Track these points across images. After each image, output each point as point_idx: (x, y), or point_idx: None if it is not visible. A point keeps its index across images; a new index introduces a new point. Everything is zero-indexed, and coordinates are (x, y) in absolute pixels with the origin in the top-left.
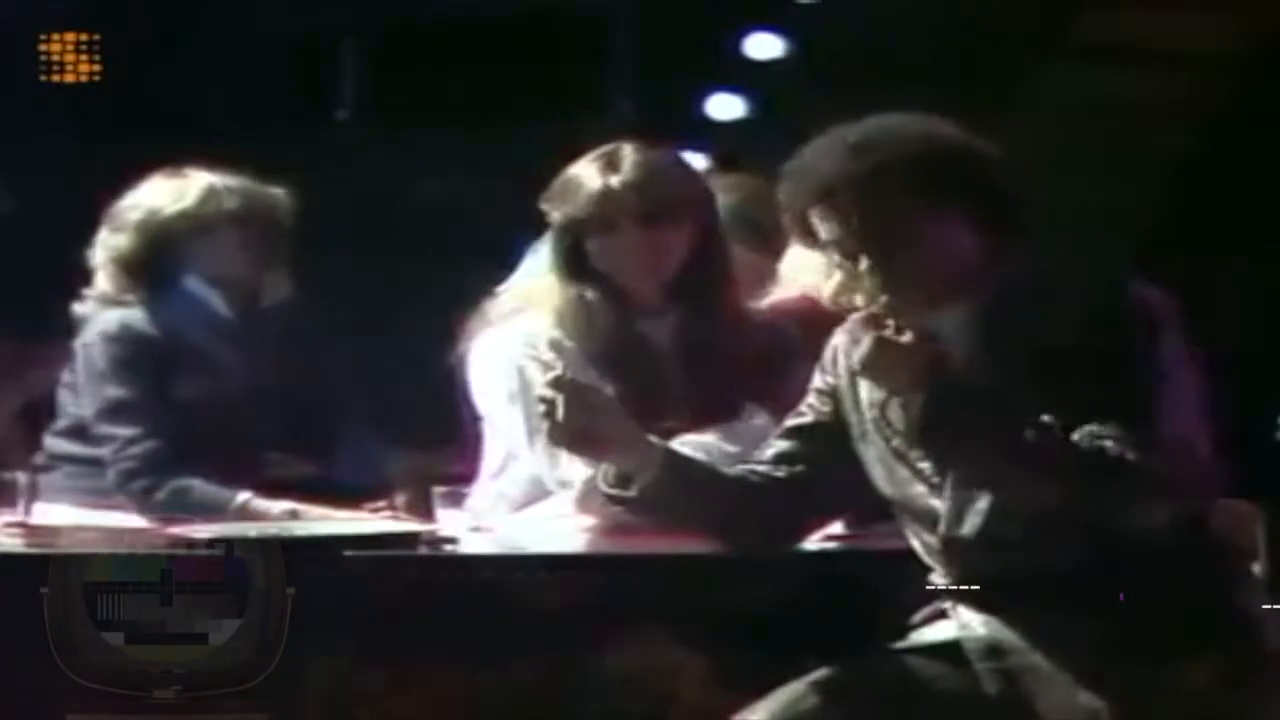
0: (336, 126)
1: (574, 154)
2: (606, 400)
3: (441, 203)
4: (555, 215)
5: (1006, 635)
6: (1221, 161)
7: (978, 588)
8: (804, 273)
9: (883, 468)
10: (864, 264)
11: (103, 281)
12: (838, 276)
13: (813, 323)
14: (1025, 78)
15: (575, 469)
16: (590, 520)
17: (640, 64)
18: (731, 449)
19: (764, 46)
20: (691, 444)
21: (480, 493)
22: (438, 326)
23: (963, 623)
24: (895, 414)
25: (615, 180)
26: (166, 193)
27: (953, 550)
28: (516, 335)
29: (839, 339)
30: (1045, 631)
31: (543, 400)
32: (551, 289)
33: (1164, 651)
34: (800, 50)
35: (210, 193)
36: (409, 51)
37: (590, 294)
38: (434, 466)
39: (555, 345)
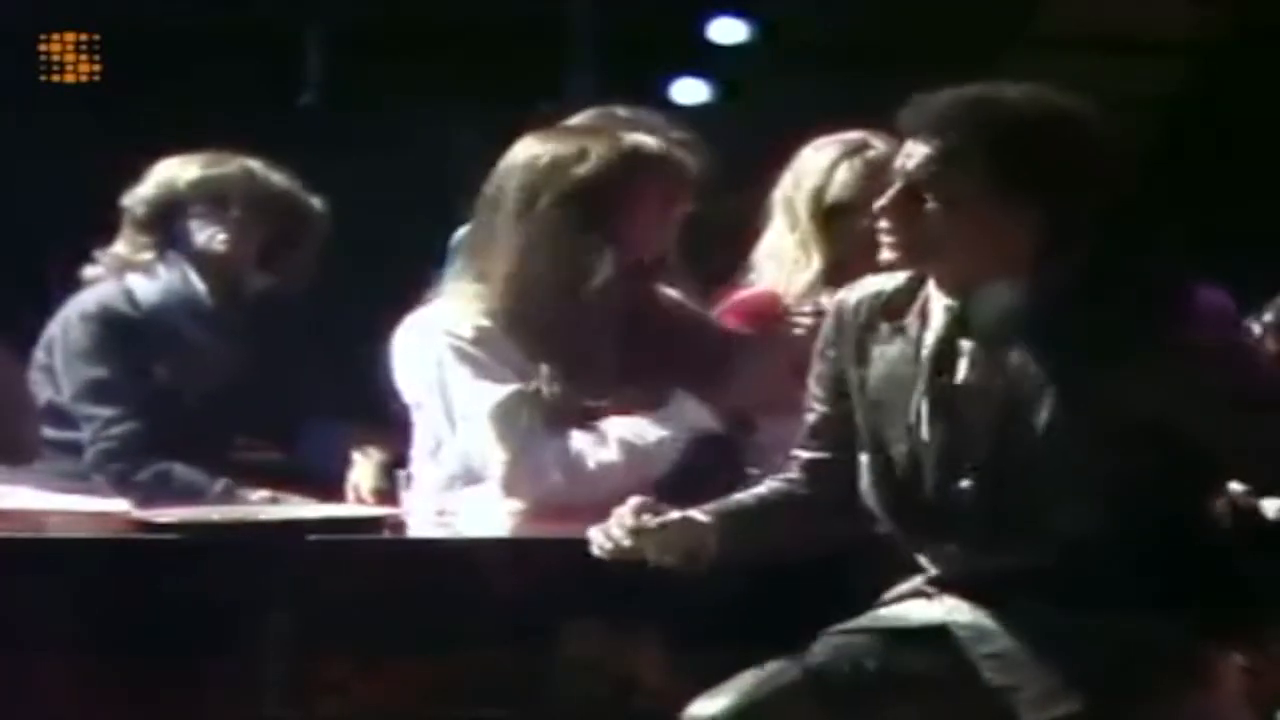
0: (298, 112)
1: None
2: (676, 528)
3: (404, 185)
4: (584, 176)
5: (993, 623)
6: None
7: (973, 580)
8: (770, 264)
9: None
10: (925, 216)
11: (119, 242)
12: (885, 224)
13: (775, 318)
14: (993, 62)
15: (498, 454)
16: (520, 504)
17: (603, 48)
18: (663, 432)
19: (729, 31)
20: (623, 425)
21: (424, 473)
22: (395, 312)
23: (949, 606)
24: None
25: (679, 152)
26: (202, 161)
27: (964, 551)
28: (437, 323)
29: (847, 299)
30: (1036, 625)
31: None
32: (508, 258)
33: (1151, 653)
34: (765, 35)
35: (242, 173)
36: (368, 34)
37: (588, 261)
38: (394, 449)
39: (479, 330)
